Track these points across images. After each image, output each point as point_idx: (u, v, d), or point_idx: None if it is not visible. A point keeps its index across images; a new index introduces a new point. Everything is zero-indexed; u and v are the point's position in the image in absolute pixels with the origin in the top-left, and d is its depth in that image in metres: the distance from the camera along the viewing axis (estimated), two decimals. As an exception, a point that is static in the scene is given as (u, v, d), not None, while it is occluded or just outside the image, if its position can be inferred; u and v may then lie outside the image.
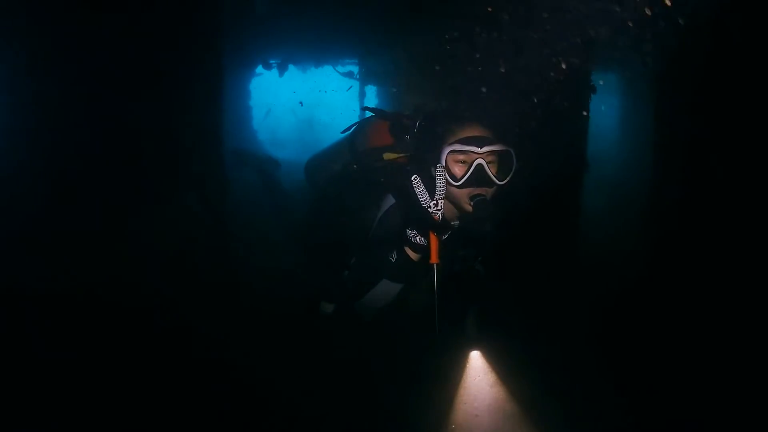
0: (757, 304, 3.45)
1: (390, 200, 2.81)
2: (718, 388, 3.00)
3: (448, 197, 2.58)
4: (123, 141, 3.81)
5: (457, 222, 2.77)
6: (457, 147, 2.49)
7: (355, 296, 2.88)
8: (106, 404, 2.80)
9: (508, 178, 2.56)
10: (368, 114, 3.21)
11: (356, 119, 3.24)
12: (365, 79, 6.82)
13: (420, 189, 2.55)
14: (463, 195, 2.55)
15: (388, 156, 2.89)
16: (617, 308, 3.93)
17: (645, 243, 4.59)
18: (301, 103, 7.12)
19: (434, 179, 2.56)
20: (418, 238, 2.67)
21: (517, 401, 2.97)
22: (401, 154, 2.89)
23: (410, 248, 2.71)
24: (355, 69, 6.87)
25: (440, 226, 2.63)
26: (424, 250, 2.69)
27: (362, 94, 6.92)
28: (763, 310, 3.40)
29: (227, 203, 4.42)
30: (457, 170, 2.53)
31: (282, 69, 6.71)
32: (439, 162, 2.52)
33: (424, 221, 2.61)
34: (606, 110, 7.99)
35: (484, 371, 3.09)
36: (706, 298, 3.69)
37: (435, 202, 2.56)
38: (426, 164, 2.66)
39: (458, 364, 3.09)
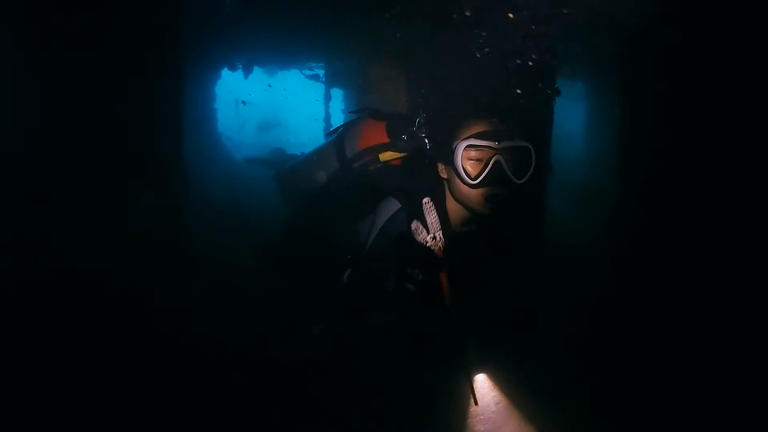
0: (724, 302, 3.49)
1: (393, 204, 2.49)
2: (696, 387, 3.01)
3: (457, 198, 2.36)
4: (83, 138, 3.72)
5: (466, 227, 2.51)
6: (474, 142, 2.21)
7: (348, 317, 2.66)
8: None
9: (526, 177, 2.29)
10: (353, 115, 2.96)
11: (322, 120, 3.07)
12: (331, 80, 6.80)
13: (432, 216, 2.35)
14: (477, 195, 2.28)
15: (384, 156, 2.62)
16: (592, 313, 3.94)
17: (610, 245, 4.61)
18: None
19: (439, 181, 2.36)
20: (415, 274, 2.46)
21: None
22: (400, 155, 2.63)
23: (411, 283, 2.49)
24: (321, 71, 6.86)
25: (442, 263, 2.40)
26: (428, 288, 2.46)
27: (328, 97, 6.91)
28: (729, 308, 3.45)
29: (189, 203, 4.35)
30: (470, 168, 2.25)
31: (247, 70, 6.66)
32: (447, 159, 2.30)
33: (426, 258, 2.38)
34: (572, 114, 8.08)
35: (491, 395, 2.93)
36: (674, 298, 3.73)
37: (433, 236, 2.36)
38: (431, 162, 2.45)
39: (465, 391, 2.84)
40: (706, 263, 3.73)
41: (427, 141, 2.50)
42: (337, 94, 6.96)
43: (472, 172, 2.25)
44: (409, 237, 2.44)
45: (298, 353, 3.02)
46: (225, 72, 6.99)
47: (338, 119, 7.14)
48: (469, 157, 2.25)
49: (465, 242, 2.56)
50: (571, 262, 4.61)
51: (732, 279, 3.53)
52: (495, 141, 2.22)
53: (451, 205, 2.42)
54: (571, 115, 8.20)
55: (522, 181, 2.28)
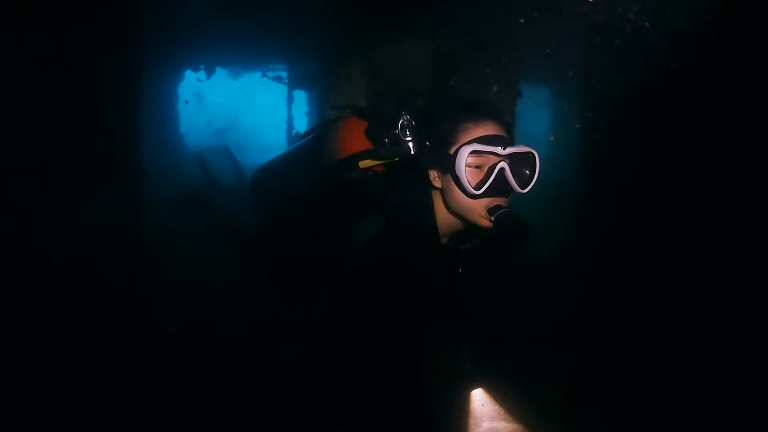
0: (686, 303, 3.55)
1: (376, 222, 2.25)
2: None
3: (453, 209, 2.13)
4: (37, 138, 3.66)
5: (458, 241, 2.32)
6: (479, 147, 1.97)
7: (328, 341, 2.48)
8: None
9: (530, 186, 2.08)
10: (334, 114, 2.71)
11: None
12: (294, 82, 6.77)
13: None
14: (478, 207, 2.04)
15: (364, 164, 2.31)
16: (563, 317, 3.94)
17: (573, 248, 4.65)
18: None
19: (427, 191, 2.14)
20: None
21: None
22: (381, 161, 2.32)
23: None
24: (284, 73, 6.82)
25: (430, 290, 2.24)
26: None
27: (291, 98, 6.87)
28: (689, 309, 3.51)
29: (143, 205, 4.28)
30: (470, 176, 2.01)
31: (210, 71, 6.61)
32: (443, 166, 2.06)
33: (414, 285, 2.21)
34: (534, 117, 8.16)
35: (489, 408, 2.83)
36: (643, 301, 3.78)
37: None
38: (420, 169, 2.18)
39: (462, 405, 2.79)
40: (670, 265, 3.78)
41: (411, 146, 2.18)
42: (300, 95, 6.92)
43: (473, 180, 2.01)
44: (396, 262, 2.25)
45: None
46: (188, 73, 6.90)
47: (301, 121, 7.12)
48: (467, 164, 2.02)
49: (458, 259, 2.38)
50: (539, 268, 4.62)
51: (698, 279, 3.61)
52: (500, 146, 1.99)
53: (444, 217, 2.20)
54: (535, 121, 8.28)
55: (526, 191, 2.07)
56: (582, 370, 3.30)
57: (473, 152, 1.98)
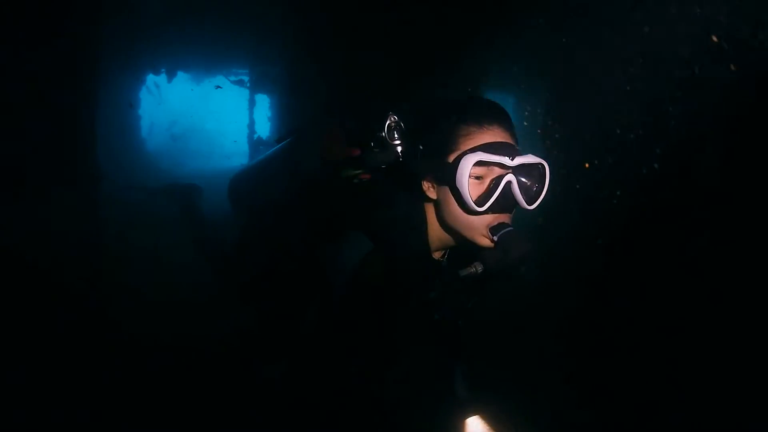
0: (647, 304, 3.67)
1: (361, 243, 1.96)
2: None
3: (448, 225, 1.88)
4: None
5: (452, 259, 2.07)
6: (484, 157, 1.70)
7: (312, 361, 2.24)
8: None
9: (537, 202, 1.83)
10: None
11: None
12: (256, 85, 6.79)
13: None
14: (479, 225, 1.79)
15: (348, 173, 2.06)
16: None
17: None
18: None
19: (414, 206, 1.91)
20: None
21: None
22: (366, 169, 2.07)
23: None
24: (245, 77, 6.84)
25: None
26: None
27: (252, 102, 6.88)
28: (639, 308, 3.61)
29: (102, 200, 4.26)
30: (471, 189, 1.75)
31: (171, 75, 6.59)
32: (441, 176, 1.80)
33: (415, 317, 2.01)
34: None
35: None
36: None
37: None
38: (411, 178, 1.92)
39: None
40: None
41: (399, 151, 1.94)
42: (262, 99, 6.95)
43: (474, 194, 1.75)
44: (390, 290, 1.97)
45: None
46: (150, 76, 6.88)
47: (263, 126, 7.11)
48: (469, 176, 1.75)
49: (456, 285, 2.12)
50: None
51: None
52: (507, 156, 1.72)
53: (437, 232, 1.95)
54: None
55: (533, 207, 1.82)
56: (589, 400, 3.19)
57: (477, 163, 1.70)
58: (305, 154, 2.29)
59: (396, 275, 1.94)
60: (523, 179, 1.80)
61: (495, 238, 1.76)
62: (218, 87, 7.16)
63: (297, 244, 2.18)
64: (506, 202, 1.74)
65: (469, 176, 1.71)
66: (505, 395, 2.87)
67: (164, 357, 3.14)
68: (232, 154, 8.35)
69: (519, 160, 1.72)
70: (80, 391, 2.82)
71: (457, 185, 1.72)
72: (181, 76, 6.78)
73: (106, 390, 2.85)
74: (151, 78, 6.76)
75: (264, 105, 6.93)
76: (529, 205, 1.79)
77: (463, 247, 1.93)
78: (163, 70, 6.70)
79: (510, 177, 1.73)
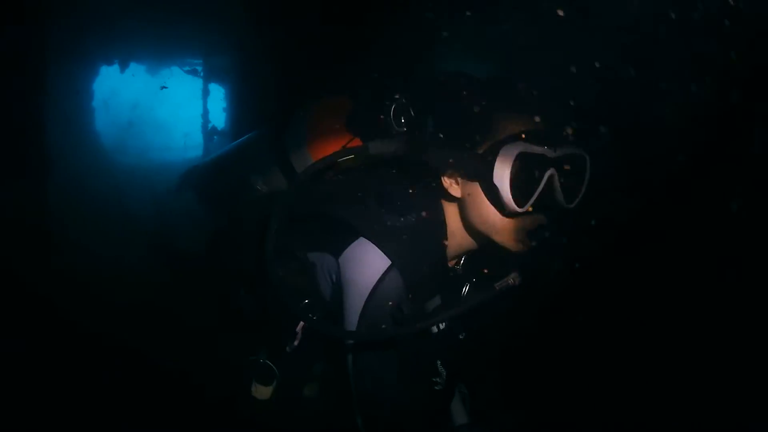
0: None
1: (373, 257, 1.56)
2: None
3: (475, 227, 1.60)
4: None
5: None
6: (527, 148, 1.43)
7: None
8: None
9: (577, 200, 1.55)
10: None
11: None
12: (209, 76, 6.79)
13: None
14: (517, 228, 1.53)
15: (345, 163, 1.63)
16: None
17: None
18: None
19: (433, 206, 1.60)
20: None
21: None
22: (364, 163, 1.66)
23: None
24: (199, 67, 6.84)
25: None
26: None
27: (206, 92, 6.88)
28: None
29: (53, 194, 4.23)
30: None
31: (123, 65, 6.56)
32: (471, 170, 1.50)
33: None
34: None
35: None
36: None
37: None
38: (423, 172, 1.61)
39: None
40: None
41: (407, 139, 1.59)
42: (215, 89, 6.95)
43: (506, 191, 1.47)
44: (416, 317, 1.61)
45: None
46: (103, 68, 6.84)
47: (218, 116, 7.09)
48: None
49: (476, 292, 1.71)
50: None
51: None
52: (551, 145, 1.47)
53: (457, 237, 1.66)
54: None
55: (572, 206, 1.55)
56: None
57: (524, 154, 1.43)
58: (292, 143, 1.89)
59: (413, 292, 1.63)
60: (563, 173, 1.50)
61: (533, 244, 1.53)
62: (164, 87, 7.11)
63: (286, 255, 1.75)
64: (548, 200, 1.49)
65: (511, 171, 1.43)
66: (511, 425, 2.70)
67: (111, 354, 3.00)
68: (187, 146, 8.32)
69: (562, 151, 1.48)
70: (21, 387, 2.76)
71: (495, 182, 1.44)
72: (134, 67, 6.74)
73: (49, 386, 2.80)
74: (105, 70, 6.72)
75: (218, 95, 6.93)
76: (570, 203, 1.53)
77: (484, 253, 1.71)
78: (116, 60, 6.66)
79: (552, 171, 1.46)
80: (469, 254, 1.78)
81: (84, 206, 4.64)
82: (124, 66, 6.62)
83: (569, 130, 1.51)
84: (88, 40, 5.77)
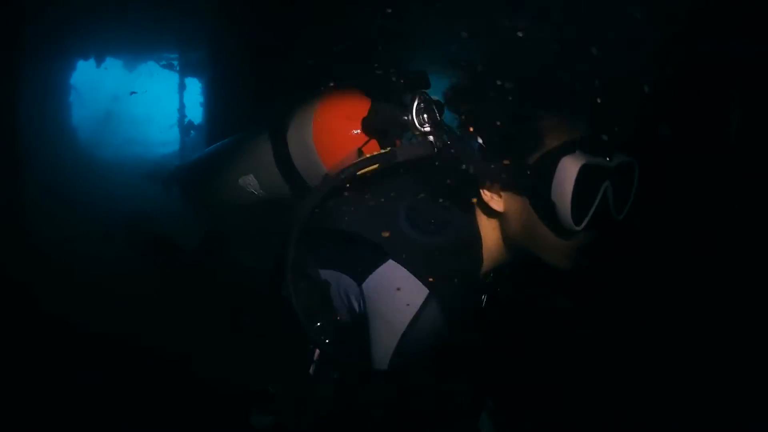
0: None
1: (408, 285, 1.35)
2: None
3: (517, 243, 1.43)
4: None
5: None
6: (589, 159, 1.26)
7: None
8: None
9: (624, 213, 1.40)
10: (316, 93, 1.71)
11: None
12: (185, 70, 6.81)
13: None
14: (571, 246, 1.37)
15: (363, 172, 1.43)
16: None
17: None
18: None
19: (467, 221, 1.43)
20: None
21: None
22: (382, 171, 1.45)
23: None
24: (175, 62, 6.85)
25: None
26: None
27: (182, 86, 6.90)
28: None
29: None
30: None
31: (99, 60, 6.58)
32: (518, 182, 1.34)
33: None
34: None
35: None
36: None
37: None
38: (459, 186, 1.41)
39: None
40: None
41: (434, 141, 1.43)
42: (192, 83, 6.97)
43: None
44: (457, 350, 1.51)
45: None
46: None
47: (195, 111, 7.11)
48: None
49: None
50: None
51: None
52: (607, 156, 1.32)
53: (493, 254, 1.47)
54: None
55: (620, 218, 1.40)
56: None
57: (587, 167, 1.26)
58: (297, 145, 1.66)
59: (451, 324, 1.41)
60: (617, 183, 1.34)
61: (585, 261, 1.40)
62: (133, 93, 7.08)
63: (299, 272, 1.49)
64: (603, 215, 1.33)
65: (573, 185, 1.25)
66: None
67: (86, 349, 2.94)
68: (165, 141, 8.33)
69: (618, 160, 1.33)
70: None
71: (555, 197, 1.27)
72: (111, 62, 6.75)
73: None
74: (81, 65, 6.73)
75: (195, 89, 6.95)
76: (618, 214, 1.38)
77: (517, 265, 1.56)
78: (92, 55, 6.67)
79: (608, 182, 1.31)
80: (499, 267, 1.56)
81: (60, 201, 4.66)
82: (100, 60, 6.63)
83: (619, 135, 1.33)
84: (65, 34, 5.77)
